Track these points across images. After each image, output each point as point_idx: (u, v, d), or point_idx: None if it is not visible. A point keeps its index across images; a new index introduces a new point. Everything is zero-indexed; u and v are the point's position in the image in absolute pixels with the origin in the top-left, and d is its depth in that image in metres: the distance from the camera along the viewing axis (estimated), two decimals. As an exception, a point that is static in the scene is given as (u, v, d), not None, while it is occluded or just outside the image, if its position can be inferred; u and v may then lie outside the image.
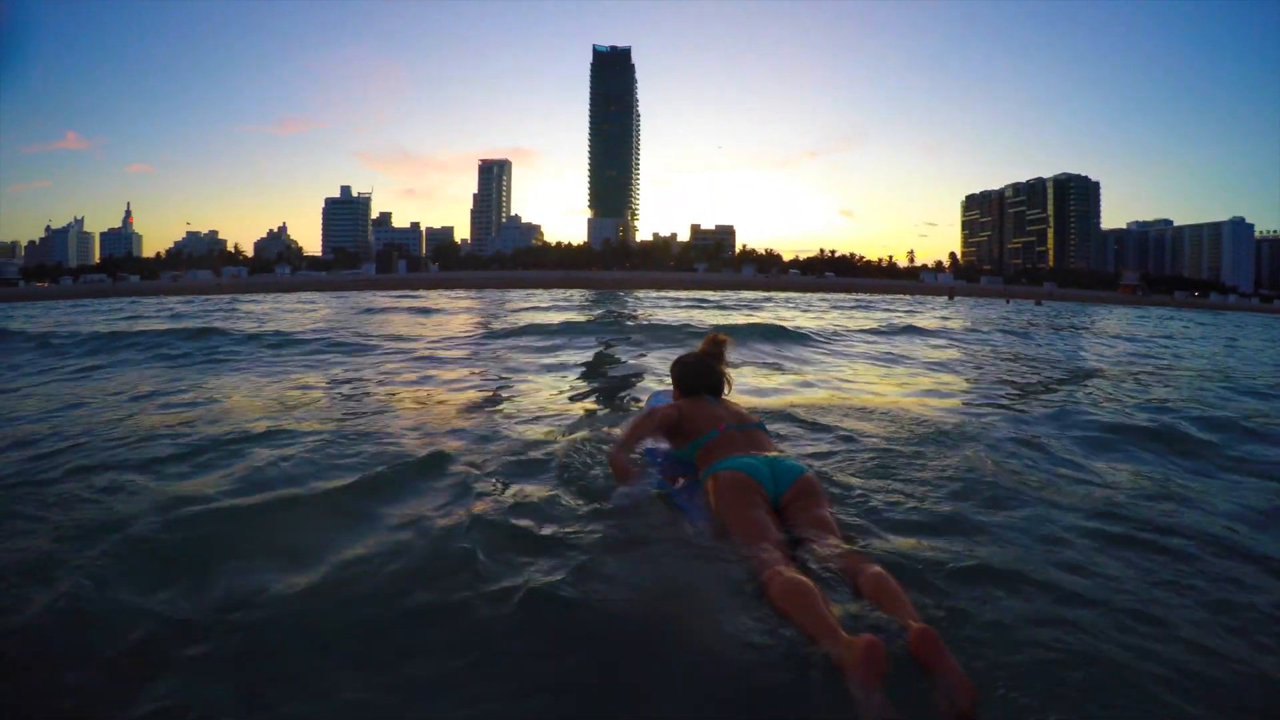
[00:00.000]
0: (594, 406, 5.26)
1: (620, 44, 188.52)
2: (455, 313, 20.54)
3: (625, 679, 1.78)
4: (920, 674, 1.53)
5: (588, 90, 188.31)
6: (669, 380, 3.43)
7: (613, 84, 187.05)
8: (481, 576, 2.22)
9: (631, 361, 8.82)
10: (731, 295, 39.70)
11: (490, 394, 5.93)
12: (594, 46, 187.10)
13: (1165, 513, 3.01)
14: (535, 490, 3.04)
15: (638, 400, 5.55)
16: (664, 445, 3.17)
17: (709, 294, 40.87)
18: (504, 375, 7.34)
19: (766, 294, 43.09)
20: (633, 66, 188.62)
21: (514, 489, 3.07)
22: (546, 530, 2.57)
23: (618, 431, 3.40)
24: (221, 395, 5.85)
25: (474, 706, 1.65)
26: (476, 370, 7.70)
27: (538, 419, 4.68)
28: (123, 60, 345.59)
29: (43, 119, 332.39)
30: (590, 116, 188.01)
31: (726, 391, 3.33)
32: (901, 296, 52.25)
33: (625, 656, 1.87)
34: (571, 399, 5.69)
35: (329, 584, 2.20)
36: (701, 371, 3.27)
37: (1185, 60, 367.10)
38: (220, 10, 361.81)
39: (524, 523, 2.63)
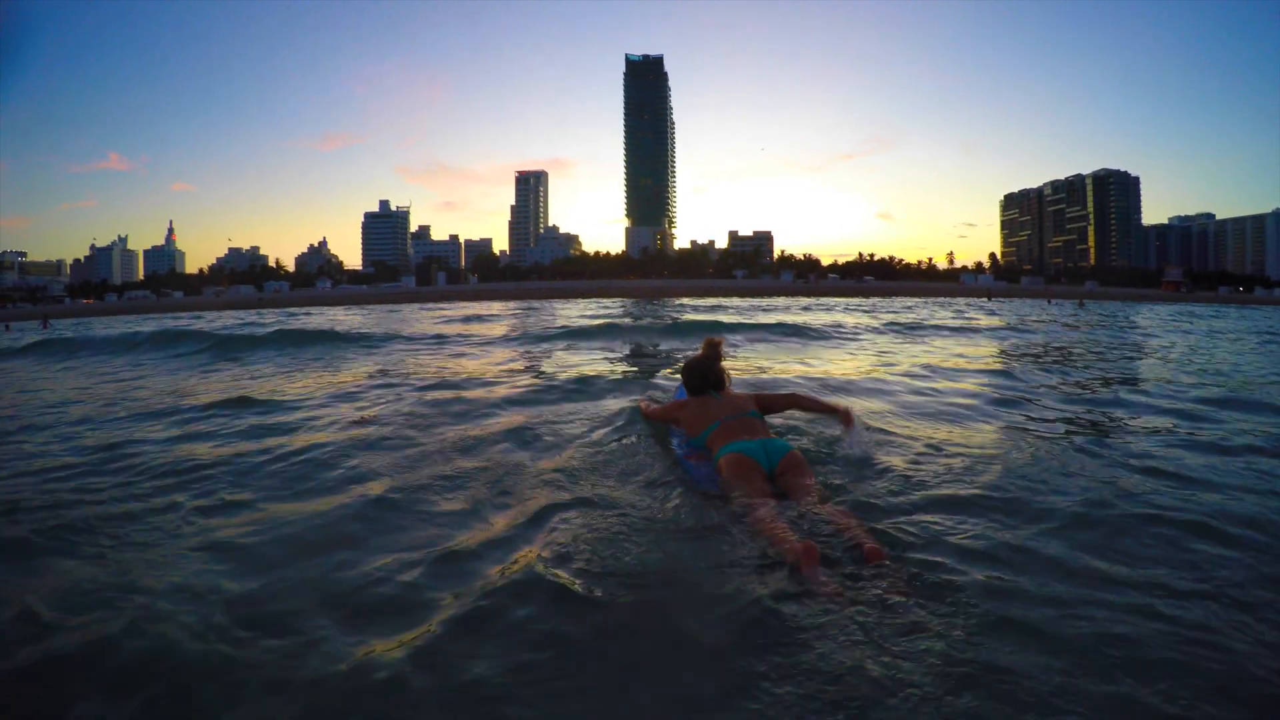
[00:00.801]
0: (627, 404, 5.70)
1: (652, 52, 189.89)
2: (504, 317, 21.72)
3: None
4: (874, 572, 2.47)
5: (621, 99, 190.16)
6: None
7: (646, 92, 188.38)
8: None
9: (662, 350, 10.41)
10: (771, 302, 39.67)
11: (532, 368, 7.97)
12: (626, 55, 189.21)
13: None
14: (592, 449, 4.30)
15: (665, 390, 6.43)
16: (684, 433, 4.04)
17: (745, 301, 40.86)
18: (549, 369, 8.89)
19: (805, 302, 42.82)
20: (665, 74, 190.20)
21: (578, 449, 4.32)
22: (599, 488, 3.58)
23: (655, 406, 4.71)
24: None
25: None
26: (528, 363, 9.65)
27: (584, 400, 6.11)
28: (166, 81, 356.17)
29: (87, 140, 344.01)
30: (625, 125, 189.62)
31: (728, 384, 4.12)
32: (940, 299, 51.72)
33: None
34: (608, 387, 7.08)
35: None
36: (703, 372, 4.05)
37: (1224, 50, 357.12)
38: (262, 28, 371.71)
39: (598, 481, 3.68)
